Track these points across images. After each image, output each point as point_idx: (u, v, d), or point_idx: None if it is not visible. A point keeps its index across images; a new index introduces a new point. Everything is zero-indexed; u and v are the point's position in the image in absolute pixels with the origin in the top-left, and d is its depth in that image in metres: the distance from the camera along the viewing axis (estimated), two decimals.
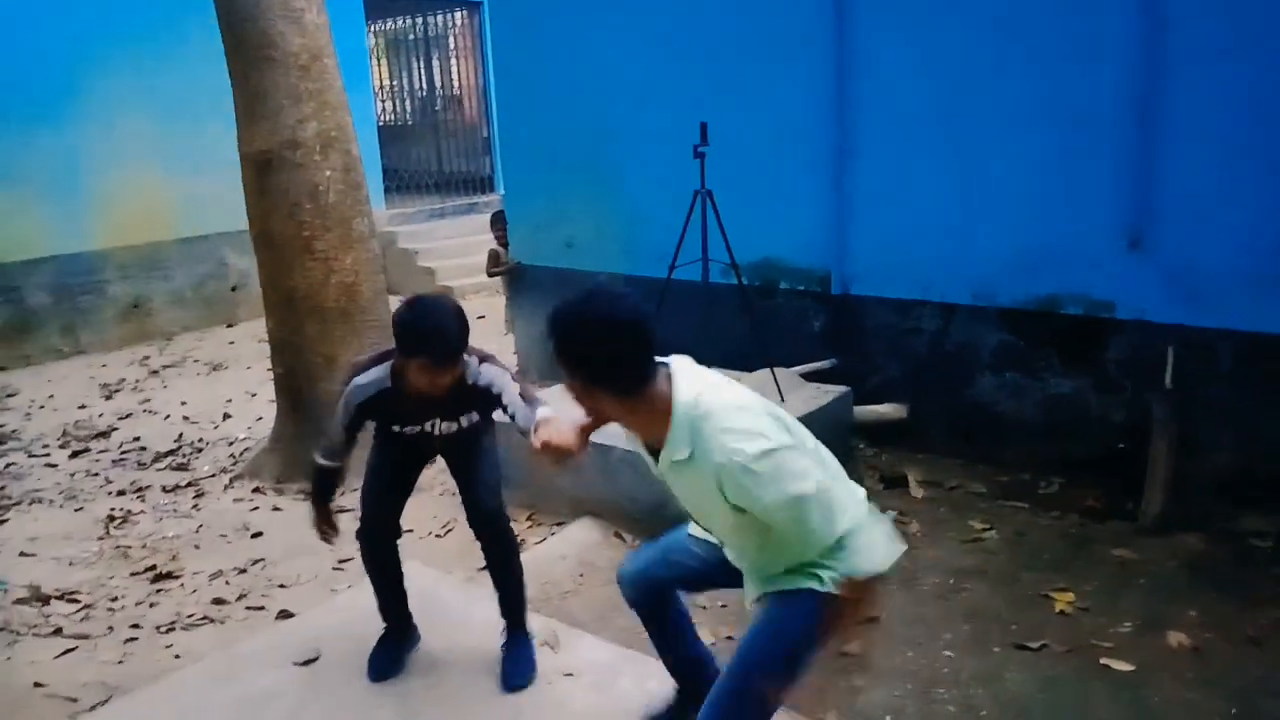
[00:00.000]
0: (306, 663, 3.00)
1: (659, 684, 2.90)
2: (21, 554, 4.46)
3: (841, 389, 4.82)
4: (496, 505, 2.96)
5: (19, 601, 3.92)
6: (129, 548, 4.47)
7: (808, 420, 4.58)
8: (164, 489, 5.22)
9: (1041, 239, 4.42)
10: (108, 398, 7.19)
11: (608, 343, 1.93)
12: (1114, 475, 4.36)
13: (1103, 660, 3.19)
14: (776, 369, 4.70)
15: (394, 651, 3.04)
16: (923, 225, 4.77)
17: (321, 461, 2.96)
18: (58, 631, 3.70)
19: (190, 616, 3.82)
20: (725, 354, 4.64)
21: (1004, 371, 4.67)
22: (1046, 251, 4.42)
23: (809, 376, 4.99)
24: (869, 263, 5.01)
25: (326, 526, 3.05)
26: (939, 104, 4.64)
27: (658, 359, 2.00)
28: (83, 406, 6.93)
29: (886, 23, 4.74)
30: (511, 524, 3.06)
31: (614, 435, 4.30)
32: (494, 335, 7.97)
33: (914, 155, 4.76)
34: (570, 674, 2.92)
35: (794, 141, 5.15)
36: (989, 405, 4.74)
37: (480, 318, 9.15)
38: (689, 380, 1.99)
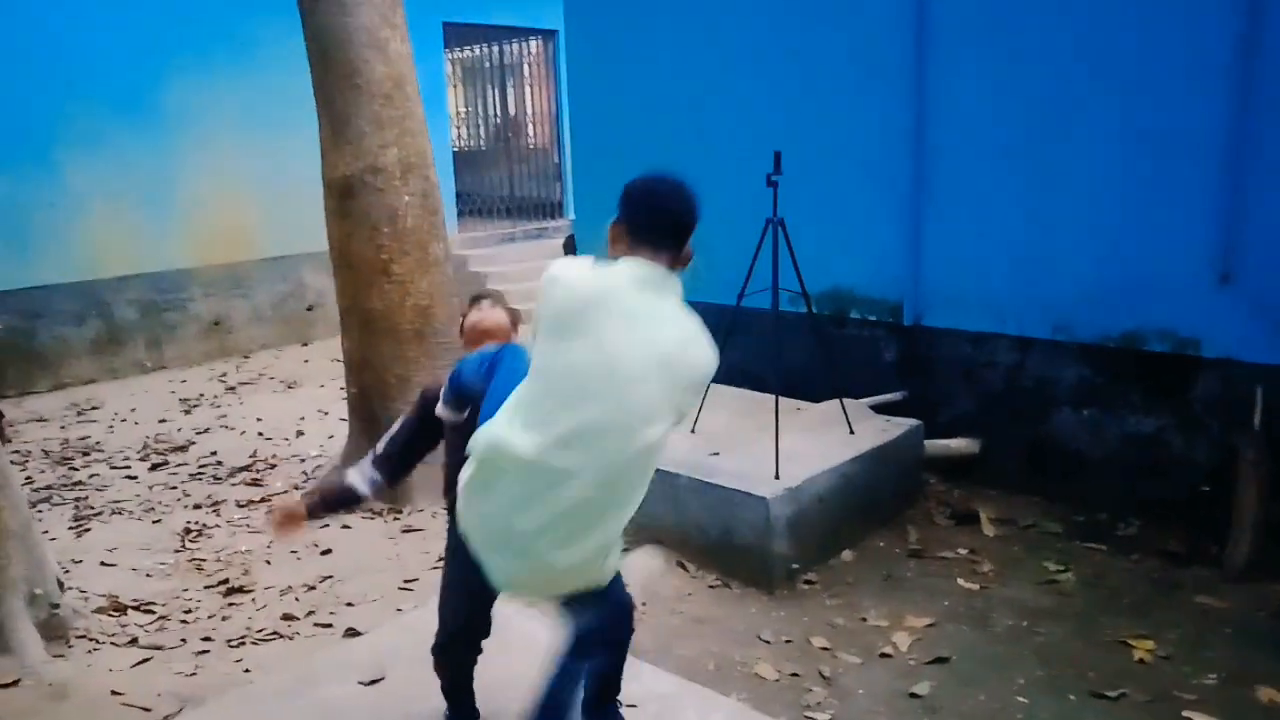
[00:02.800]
0: (372, 682, 3.02)
1: (724, 718, 2.87)
2: (102, 563, 4.60)
3: (912, 422, 4.73)
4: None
5: (98, 611, 4.03)
6: (203, 560, 4.58)
7: (877, 453, 4.55)
8: (238, 504, 5.34)
9: (1125, 272, 4.31)
10: (187, 412, 7.41)
11: (652, 205, 2.20)
12: (1197, 519, 4.20)
13: (1186, 713, 3.06)
14: (845, 400, 4.64)
15: None
16: (999, 256, 4.69)
17: (355, 483, 2.64)
18: (134, 641, 3.80)
19: (260, 631, 3.90)
20: (792, 383, 4.62)
21: (1082, 408, 4.54)
22: (1130, 285, 4.30)
23: (879, 409, 4.92)
24: (943, 293, 4.93)
25: (291, 523, 2.68)
26: (1019, 134, 4.56)
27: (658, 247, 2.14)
28: (163, 420, 7.15)
29: (966, 54, 4.69)
30: None
31: (681, 463, 4.30)
32: None
33: (992, 186, 4.69)
34: (634, 705, 2.89)
35: (868, 170, 5.11)
36: (1066, 442, 4.61)
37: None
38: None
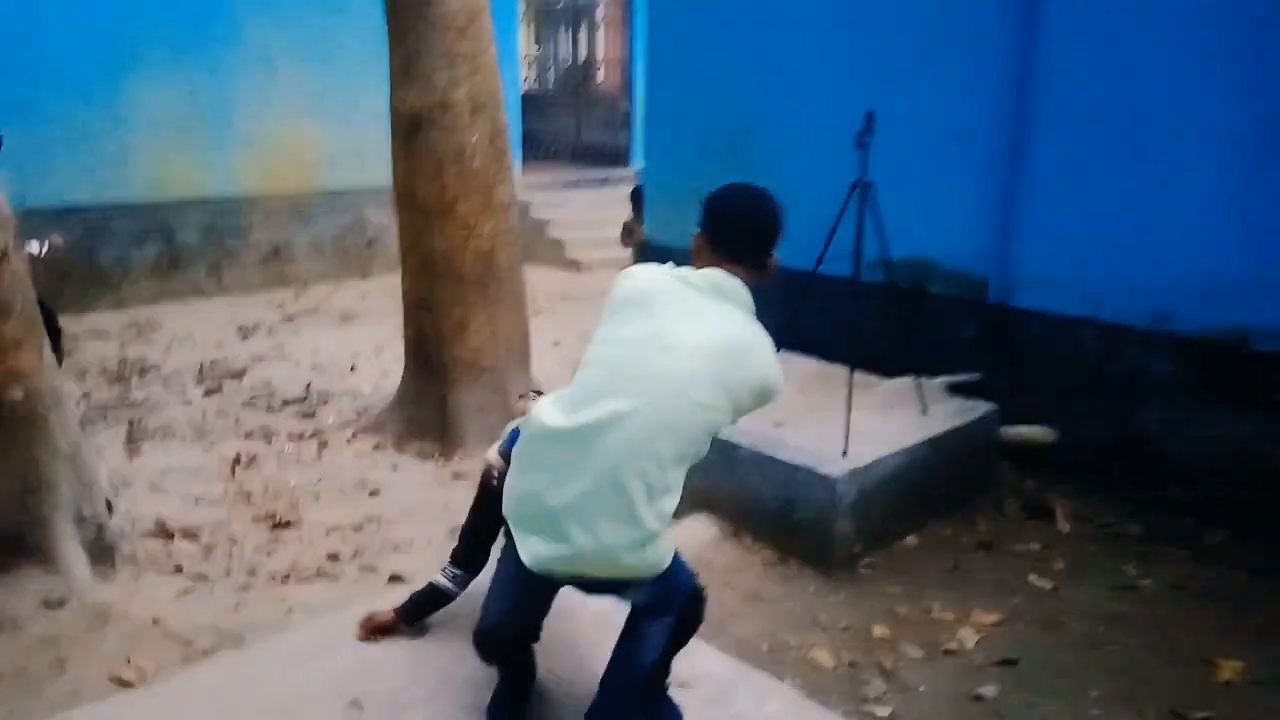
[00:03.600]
0: (413, 639, 2.91)
1: (781, 707, 2.72)
2: (152, 486, 4.58)
3: (988, 406, 4.50)
4: None
5: (145, 535, 4.00)
6: (251, 492, 4.53)
7: (951, 437, 4.33)
8: (289, 436, 5.29)
9: (1239, 265, 4.00)
10: (244, 339, 7.39)
11: (729, 214, 2.22)
12: None
13: None
14: (920, 378, 4.42)
15: (515, 703, 2.62)
16: (1100, 237, 4.39)
17: (443, 585, 2.74)
18: (179, 570, 3.76)
19: (305, 569, 3.83)
20: (864, 356, 4.40)
21: (1174, 404, 4.26)
22: (1242, 279, 3.99)
23: (953, 389, 4.68)
24: (1032, 272, 4.66)
25: (382, 634, 2.83)
26: (1130, 112, 4.24)
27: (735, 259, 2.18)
28: (220, 345, 7.14)
29: (1079, 25, 4.36)
30: None
31: (742, 432, 4.13)
32: None
33: (1095, 163, 4.38)
34: (685, 685, 2.75)
35: (961, 137, 4.82)
36: (1152, 439, 4.34)
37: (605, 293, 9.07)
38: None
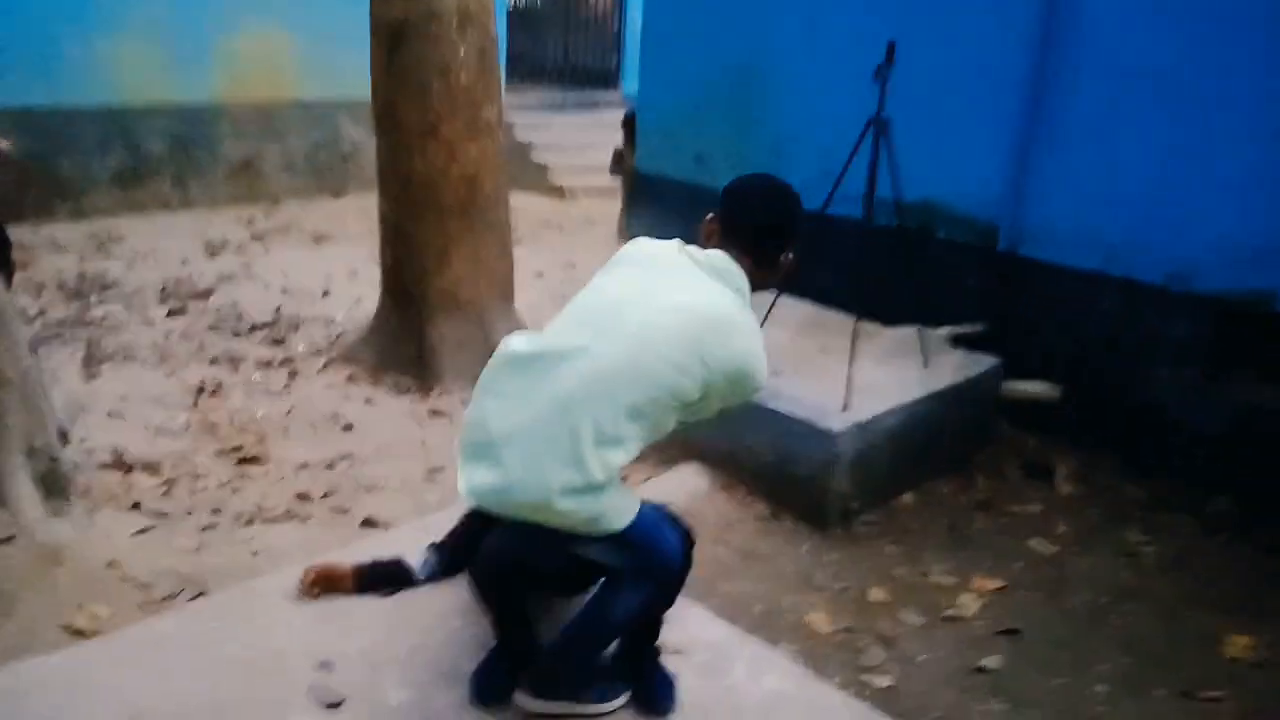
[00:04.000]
0: (386, 594, 2.72)
1: (778, 679, 2.57)
2: (110, 414, 4.32)
3: (992, 359, 4.33)
4: None
5: (102, 467, 3.76)
6: (216, 424, 4.28)
7: (954, 391, 4.16)
8: (257, 363, 5.03)
9: (1264, 226, 3.79)
10: (211, 256, 7.05)
11: (738, 204, 2.20)
12: None
13: None
14: (923, 328, 4.23)
15: (504, 674, 2.37)
16: (1121, 188, 4.17)
17: (411, 564, 2.71)
18: (137, 506, 3.53)
19: (272, 510, 3.61)
20: (864, 301, 4.18)
21: (1186, 367, 4.10)
22: (1270, 240, 3.79)
23: (955, 340, 4.50)
24: (1046, 221, 4.44)
25: (330, 586, 2.67)
26: (1163, 63, 3.98)
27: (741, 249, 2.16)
28: (185, 263, 6.80)
29: None
30: None
31: None
32: (606, 240, 7.60)
33: (1122, 113, 4.13)
34: (679, 652, 2.59)
35: (978, 73, 4.55)
36: (1161, 402, 4.19)
37: (591, 222, 8.79)
38: None
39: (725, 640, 2.70)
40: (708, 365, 2.00)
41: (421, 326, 4.78)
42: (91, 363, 4.89)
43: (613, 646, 2.50)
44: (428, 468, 3.99)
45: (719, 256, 2.11)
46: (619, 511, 2.05)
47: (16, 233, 6.07)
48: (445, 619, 2.66)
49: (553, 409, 1.94)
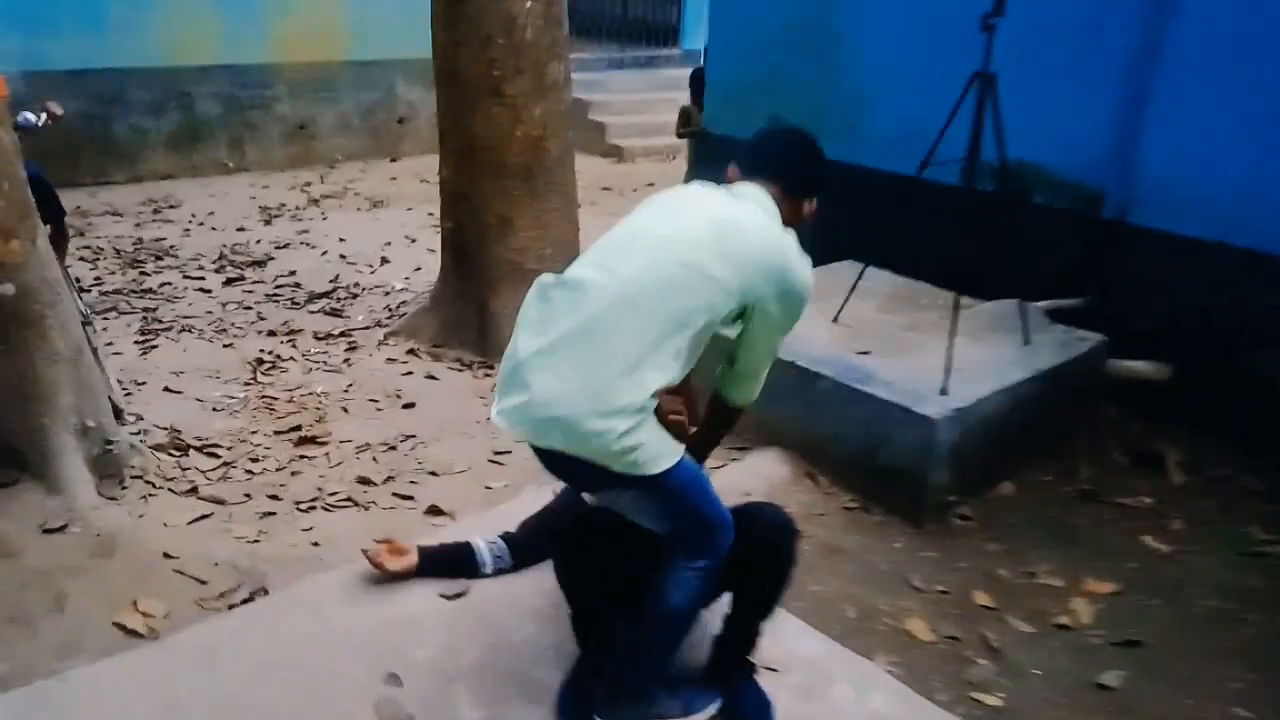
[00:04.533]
0: (454, 597, 2.53)
1: (882, 700, 2.34)
2: (166, 388, 4.20)
3: (1097, 337, 3.99)
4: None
5: (157, 448, 3.62)
6: (275, 399, 4.14)
7: (1056, 372, 3.85)
8: (315, 335, 4.88)
9: None
10: (267, 222, 6.92)
11: (758, 139, 2.20)
12: None
13: None
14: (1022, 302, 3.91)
15: (590, 691, 2.20)
16: (1244, 151, 3.78)
17: (481, 555, 2.60)
18: (193, 490, 3.39)
19: (333, 495, 3.45)
20: (951, 273, 3.88)
21: None
22: None
23: (1053, 315, 4.17)
24: (1158, 186, 4.06)
25: (395, 561, 2.56)
26: None
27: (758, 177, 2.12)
28: (241, 229, 6.68)
29: None
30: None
31: (823, 360, 3.66)
32: None
33: (1252, 64, 3.73)
34: (774, 669, 2.37)
35: (1089, 27, 4.16)
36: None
37: (650, 185, 8.49)
38: None
39: (822, 656, 2.48)
40: (732, 263, 1.90)
41: (484, 297, 4.57)
42: (148, 334, 4.77)
43: (702, 653, 2.31)
44: (493, 449, 3.79)
45: (751, 187, 2.07)
46: (656, 449, 1.88)
47: (73, 198, 5.99)
48: (520, 623, 2.48)
49: (579, 329, 1.85)
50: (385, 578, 2.53)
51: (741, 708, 2.25)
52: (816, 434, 3.61)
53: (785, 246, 1.98)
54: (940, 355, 3.45)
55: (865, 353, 3.73)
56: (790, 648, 2.44)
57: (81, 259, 5.82)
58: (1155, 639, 2.85)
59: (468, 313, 4.64)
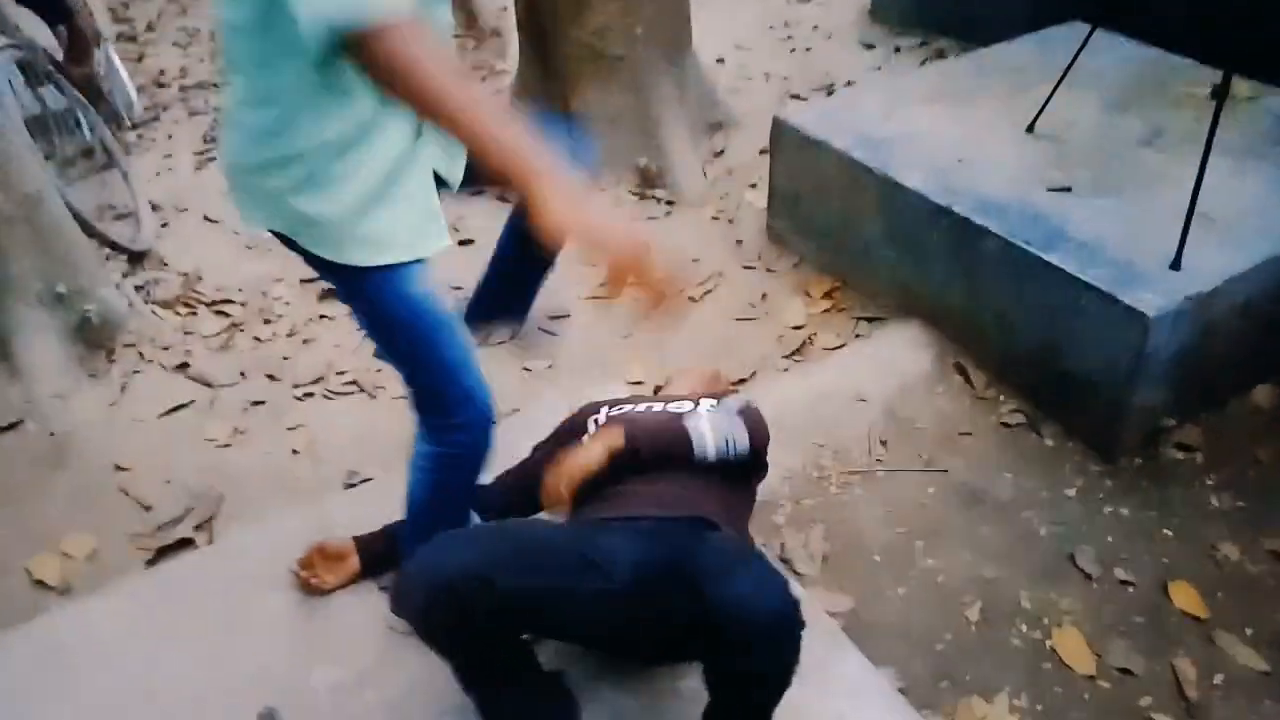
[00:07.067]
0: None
1: None
2: (206, 217, 3.63)
3: None
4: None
5: (165, 304, 3.09)
6: None
7: None
8: None
9: None
10: None
11: None
12: None
13: None
14: None
15: None
16: None
17: None
18: (184, 367, 2.84)
19: (340, 375, 2.82)
20: (1224, 38, 2.53)
21: None
22: None
23: None
24: None
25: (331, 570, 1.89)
26: None
27: None
28: None
29: None
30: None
31: (995, 206, 2.49)
32: None
33: None
34: None
35: None
36: None
37: None
38: None
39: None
40: None
41: (564, 94, 3.60)
42: (210, 144, 4.19)
43: None
44: (547, 314, 2.98)
45: None
46: (346, 221, 1.34)
47: None
48: None
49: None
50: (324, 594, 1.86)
51: None
52: (977, 315, 2.54)
53: None
54: (1185, 192, 2.21)
55: (1063, 189, 2.52)
56: (840, 709, 1.59)
57: (175, 44, 5.26)
58: None
59: (546, 102, 3.70)
